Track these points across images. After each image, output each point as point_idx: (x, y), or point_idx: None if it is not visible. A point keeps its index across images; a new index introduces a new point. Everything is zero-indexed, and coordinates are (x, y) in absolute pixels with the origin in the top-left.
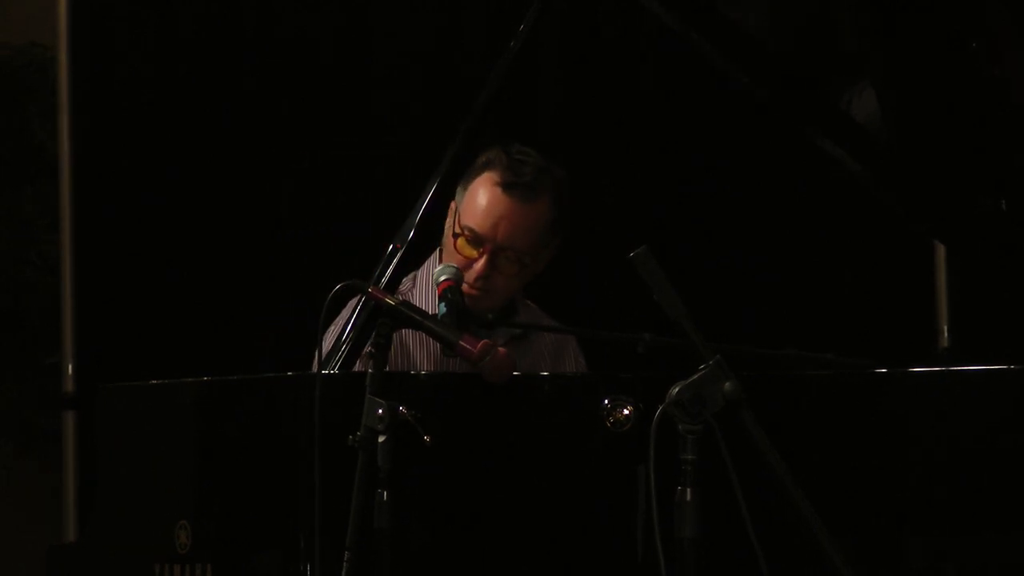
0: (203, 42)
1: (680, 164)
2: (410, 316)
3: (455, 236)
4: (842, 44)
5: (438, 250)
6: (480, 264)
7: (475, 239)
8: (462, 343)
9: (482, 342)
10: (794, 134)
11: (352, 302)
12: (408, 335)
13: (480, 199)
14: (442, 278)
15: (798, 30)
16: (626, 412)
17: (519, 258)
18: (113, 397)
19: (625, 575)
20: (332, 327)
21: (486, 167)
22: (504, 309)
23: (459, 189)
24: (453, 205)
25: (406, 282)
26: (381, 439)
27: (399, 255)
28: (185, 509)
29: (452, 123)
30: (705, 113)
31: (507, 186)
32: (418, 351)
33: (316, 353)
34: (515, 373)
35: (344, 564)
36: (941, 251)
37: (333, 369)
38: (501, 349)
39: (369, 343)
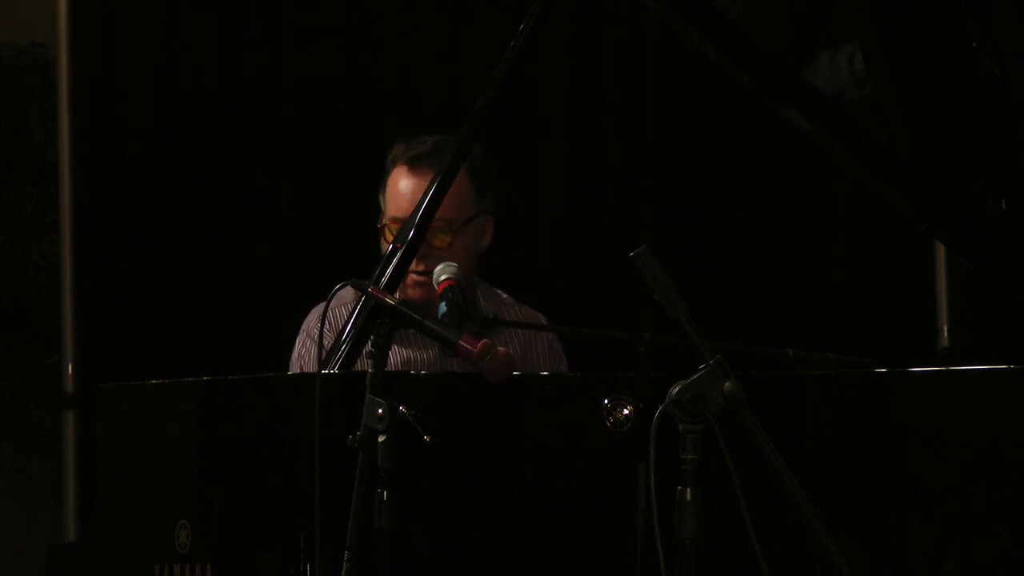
0: (203, 42)
1: (680, 164)
2: (410, 316)
3: (383, 230)
4: (841, 36)
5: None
6: None
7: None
8: (462, 343)
9: (482, 342)
10: (794, 133)
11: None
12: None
13: (394, 188)
14: (442, 278)
15: (796, 22)
16: (626, 412)
17: (447, 228)
18: (113, 397)
19: (625, 575)
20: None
21: (392, 164)
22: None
23: (381, 200)
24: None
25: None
26: (381, 439)
27: (399, 255)
28: (185, 509)
29: (453, 123)
30: (706, 113)
31: (411, 161)
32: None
33: (315, 352)
34: (515, 373)
35: (344, 564)
36: (941, 251)
37: (333, 369)
38: (501, 349)
39: (369, 343)
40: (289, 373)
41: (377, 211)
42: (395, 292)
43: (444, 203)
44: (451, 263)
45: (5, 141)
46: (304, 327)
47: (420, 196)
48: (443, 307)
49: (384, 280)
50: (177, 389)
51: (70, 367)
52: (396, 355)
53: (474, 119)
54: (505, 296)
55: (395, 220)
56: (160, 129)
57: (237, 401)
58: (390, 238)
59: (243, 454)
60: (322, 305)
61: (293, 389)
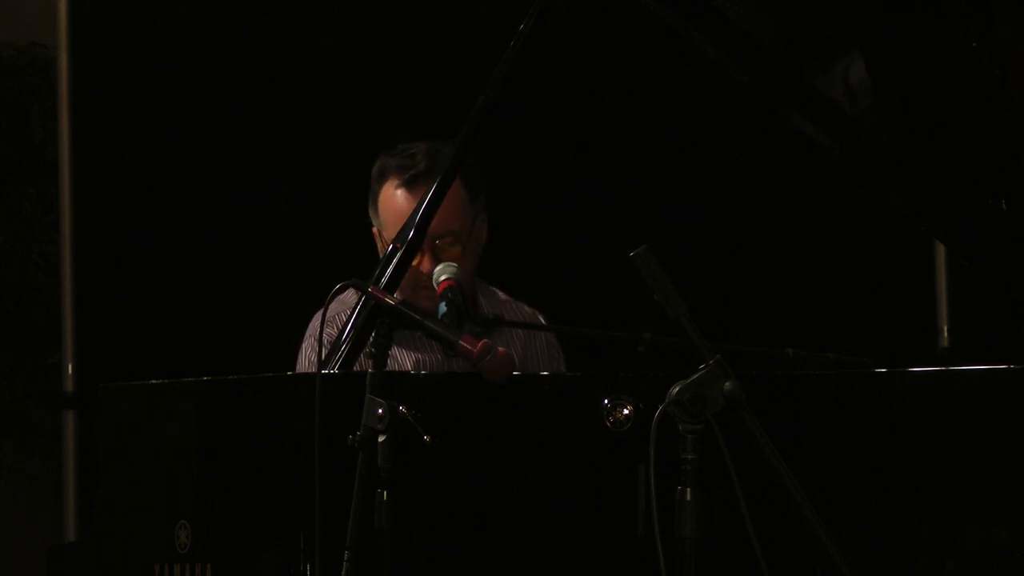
0: (203, 42)
1: (680, 164)
2: (410, 316)
3: (385, 250)
4: (841, 36)
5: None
6: (425, 264)
7: None
8: (462, 343)
9: (482, 342)
10: (794, 133)
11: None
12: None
13: (392, 208)
14: (442, 278)
15: (796, 22)
16: (626, 412)
17: (456, 240)
18: (113, 397)
19: (625, 575)
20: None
21: (382, 178)
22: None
23: (371, 214)
24: (375, 230)
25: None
26: (381, 439)
27: (399, 255)
28: (185, 509)
29: (453, 123)
30: (706, 113)
31: (408, 182)
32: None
33: (317, 352)
34: (515, 373)
35: (344, 564)
36: (941, 251)
37: (333, 369)
38: (501, 349)
39: (369, 343)
40: (290, 373)
41: (369, 222)
42: (395, 292)
43: (446, 216)
44: (451, 263)
45: (5, 141)
46: (309, 331)
47: None
48: (443, 307)
49: (384, 280)
50: (177, 389)
51: (70, 367)
52: (407, 358)
53: (474, 119)
54: (502, 294)
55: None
56: (160, 129)
57: (237, 401)
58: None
59: (243, 454)
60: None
61: (293, 389)
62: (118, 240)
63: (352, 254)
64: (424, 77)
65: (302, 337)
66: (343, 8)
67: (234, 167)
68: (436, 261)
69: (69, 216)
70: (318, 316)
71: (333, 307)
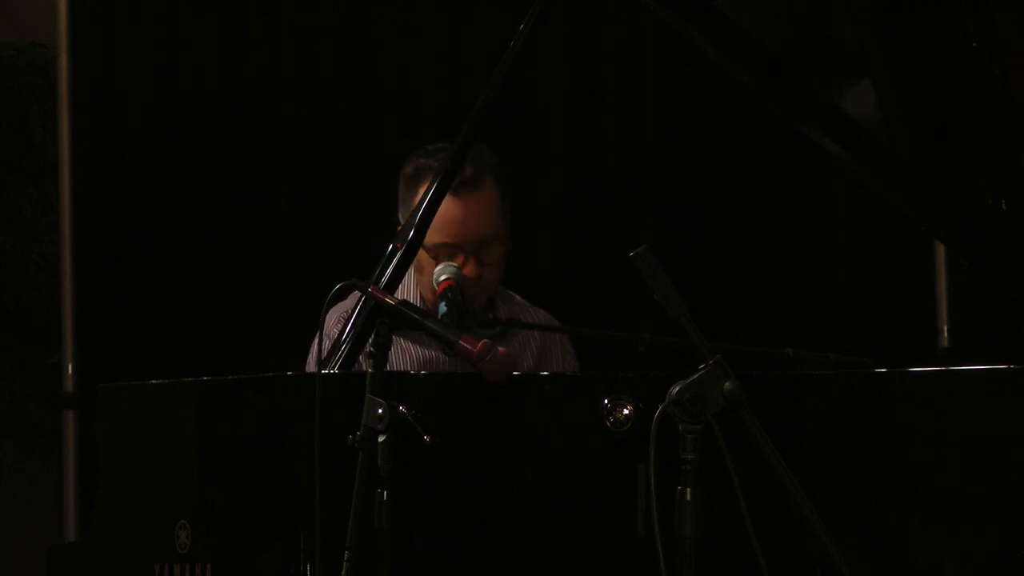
0: (203, 42)
1: (680, 164)
2: (410, 316)
3: (433, 258)
4: (841, 36)
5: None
6: (470, 267)
7: (452, 249)
8: (462, 343)
9: (482, 342)
10: (795, 133)
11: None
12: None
13: (440, 213)
14: (442, 278)
15: (796, 22)
16: (626, 412)
17: (498, 241)
18: (113, 397)
19: (625, 575)
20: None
21: (419, 180)
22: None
23: (402, 215)
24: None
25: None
26: (381, 439)
27: (399, 255)
28: (185, 509)
29: (454, 123)
30: (706, 113)
31: (454, 189)
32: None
33: (316, 352)
34: (515, 373)
35: (344, 564)
36: (941, 251)
37: (333, 369)
38: (501, 349)
39: (369, 343)
40: (290, 373)
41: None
42: (395, 292)
43: (488, 219)
44: (451, 263)
45: (5, 141)
46: (325, 331)
47: (473, 219)
48: (443, 307)
49: (384, 280)
50: (177, 389)
51: (70, 367)
52: (417, 353)
53: (474, 119)
54: (519, 298)
55: (444, 246)
56: (160, 129)
57: (237, 401)
58: (443, 261)
59: (243, 454)
60: (340, 306)
61: (293, 389)
62: (118, 240)
63: (352, 254)
64: (424, 77)
65: (302, 337)
66: (343, 8)
67: (234, 167)
68: (480, 263)
69: (69, 216)
70: (333, 311)
71: (347, 303)
